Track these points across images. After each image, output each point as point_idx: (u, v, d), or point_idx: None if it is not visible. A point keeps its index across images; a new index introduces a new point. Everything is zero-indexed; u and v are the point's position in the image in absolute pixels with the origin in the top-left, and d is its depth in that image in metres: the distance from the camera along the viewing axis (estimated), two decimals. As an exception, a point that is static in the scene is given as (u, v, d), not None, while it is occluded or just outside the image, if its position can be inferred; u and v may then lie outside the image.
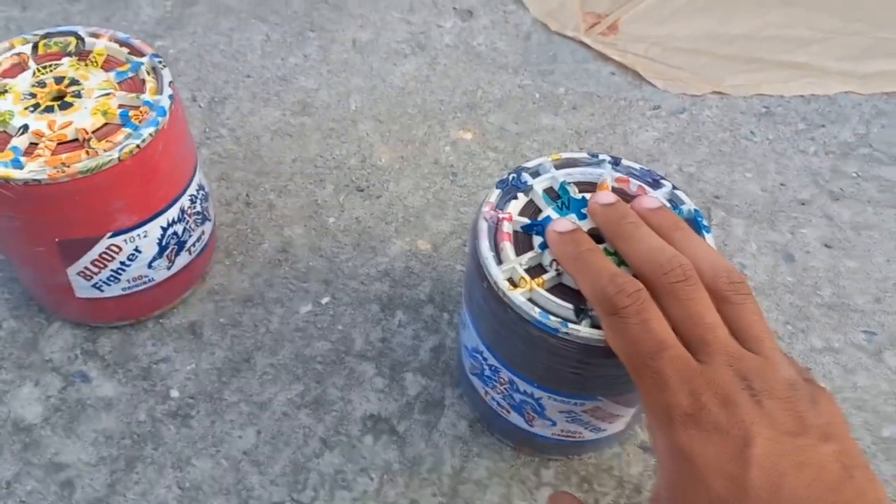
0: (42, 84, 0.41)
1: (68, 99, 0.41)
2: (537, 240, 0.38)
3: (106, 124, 0.40)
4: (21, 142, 0.39)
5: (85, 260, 0.42)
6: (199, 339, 0.48)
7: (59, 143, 0.39)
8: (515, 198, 0.40)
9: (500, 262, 0.37)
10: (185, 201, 0.44)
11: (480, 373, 0.42)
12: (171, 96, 0.41)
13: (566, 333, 0.35)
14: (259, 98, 0.61)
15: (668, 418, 0.30)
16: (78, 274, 0.42)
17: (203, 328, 0.48)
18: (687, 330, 0.32)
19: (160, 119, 0.40)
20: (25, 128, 0.39)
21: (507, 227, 0.38)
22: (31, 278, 0.45)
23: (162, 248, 0.44)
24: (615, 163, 0.41)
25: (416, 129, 0.60)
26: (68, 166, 0.37)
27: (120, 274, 0.43)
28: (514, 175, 0.40)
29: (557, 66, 0.66)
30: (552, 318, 0.35)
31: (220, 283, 0.51)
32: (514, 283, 0.36)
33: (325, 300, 0.51)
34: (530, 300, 0.36)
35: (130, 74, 0.42)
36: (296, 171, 0.57)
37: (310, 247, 0.53)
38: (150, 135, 0.40)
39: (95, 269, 0.42)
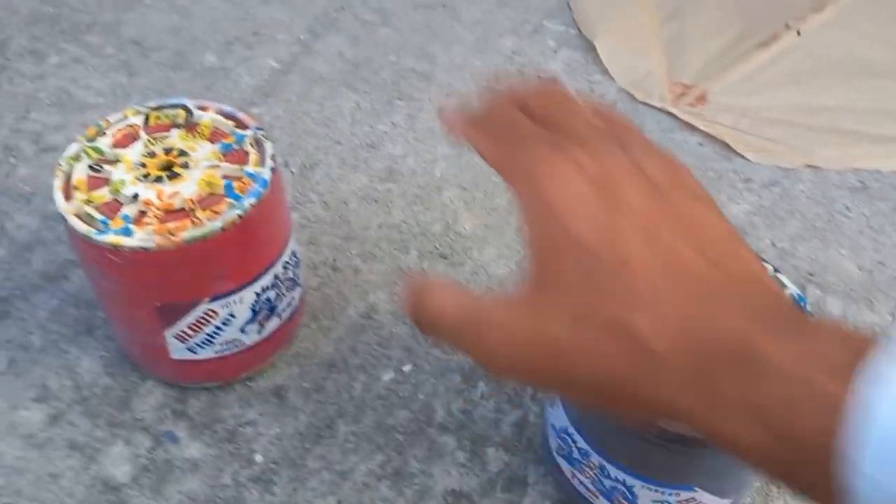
0: (152, 154, 0.43)
1: (176, 169, 0.43)
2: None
3: (211, 194, 0.41)
4: (131, 210, 0.40)
5: (182, 324, 0.43)
6: (284, 404, 0.48)
7: (166, 212, 0.41)
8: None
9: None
10: (278, 268, 0.45)
11: (568, 454, 0.41)
12: (272, 168, 0.43)
13: (665, 423, 0.34)
14: (348, 164, 0.62)
15: (525, 170, 0.26)
16: (174, 336, 0.44)
17: (288, 392, 0.49)
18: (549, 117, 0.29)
19: (261, 190, 0.41)
20: (135, 196, 0.41)
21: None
22: (129, 339, 0.47)
23: (255, 314, 0.45)
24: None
25: (500, 197, 0.60)
26: (175, 235, 0.39)
27: (214, 338, 0.44)
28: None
29: (644, 136, 0.65)
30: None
31: (305, 346, 0.51)
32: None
33: (406, 368, 0.50)
34: (625, 384, 0.35)
35: (235, 147, 0.44)
36: (381, 236, 0.58)
37: (393, 313, 0.53)
38: (252, 205, 0.41)
39: (191, 333, 0.44)
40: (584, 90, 0.69)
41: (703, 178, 0.62)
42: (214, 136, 0.45)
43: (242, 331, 0.45)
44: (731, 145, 0.64)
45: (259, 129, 0.45)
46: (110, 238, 0.39)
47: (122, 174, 0.42)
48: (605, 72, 0.70)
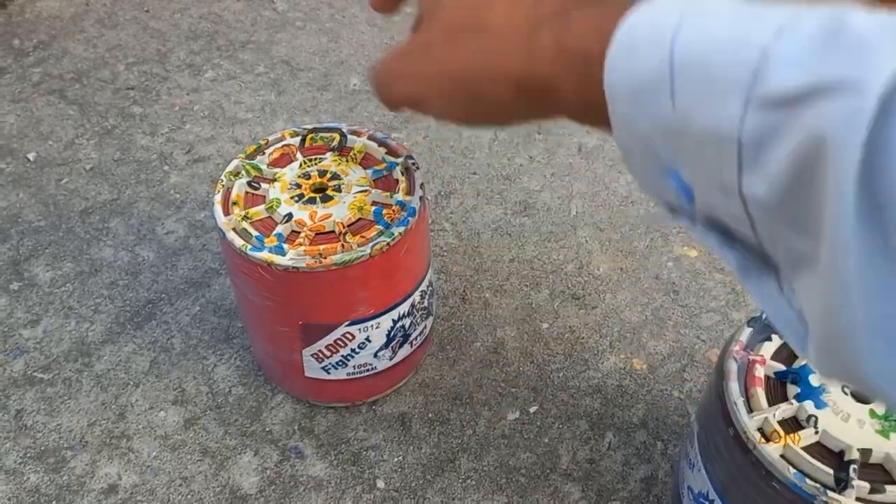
0: (307, 176, 0.44)
1: (329, 192, 0.44)
2: (792, 389, 0.35)
3: (360, 219, 0.42)
4: (285, 229, 0.41)
5: (321, 343, 0.43)
6: (408, 432, 0.48)
7: (317, 234, 0.41)
8: (769, 339, 0.37)
9: (750, 409, 0.34)
10: (416, 296, 0.45)
11: (706, 520, 0.39)
12: (421, 198, 0.43)
13: (824, 501, 0.31)
14: (483, 195, 0.62)
15: None
16: (312, 355, 0.44)
17: (412, 421, 0.49)
18: None
19: (410, 219, 0.42)
20: (290, 216, 0.42)
21: (759, 372, 0.36)
22: (266, 352, 0.48)
23: (389, 340, 0.45)
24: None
25: (638, 240, 0.59)
26: (325, 257, 0.39)
27: (348, 360, 0.45)
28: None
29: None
30: (809, 481, 0.32)
31: (431, 376, 0.51)
32: (766, 436, 0.33)
33: (532, 409, 0.49)
34: (784, 457, 0.33)
35: (385, 173, 0.45)
36: (512, 271, 0.57)
37: (521, 351, 0.52)
38: (400, 234, 0.41)
39: (328, 353, 0.44)
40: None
41: None
42: (366, 161, 0.46)
43: (376, 356, 0.45)
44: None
45: (410, 157, 0.45)
46: (264, 255, 0.40)
47: (277, 193, 0.43)
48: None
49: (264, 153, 0.46)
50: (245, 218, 0.42)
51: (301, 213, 0.42)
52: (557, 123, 0.69)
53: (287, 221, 0.42)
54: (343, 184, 0.44)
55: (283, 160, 0.46)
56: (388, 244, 0.41)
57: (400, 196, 0.43)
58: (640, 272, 0.57)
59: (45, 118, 0.68)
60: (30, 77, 0.72)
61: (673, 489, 0.44)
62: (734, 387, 0.35)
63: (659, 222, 0.28)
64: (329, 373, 0.46)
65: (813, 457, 0.33)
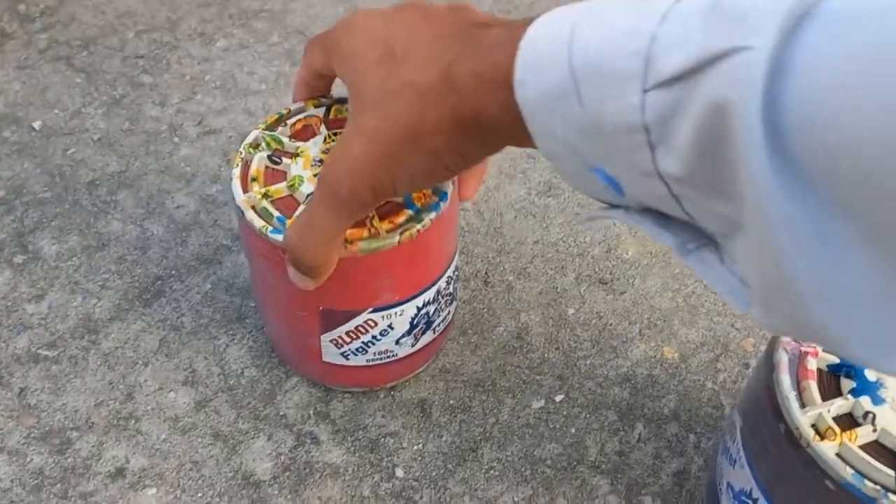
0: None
1: None
2: (847, 384, 0.33)
3: (387, 202, 0.39)
4: None
5: (341, 330, 0.41)
6: (428, 419, 0.46)
7: None
8: (823, 331, 0.35)
9: (802, 404, 0.32)
10: (442, 283, 0.43)
11: (746, 519, 0.37)
12: (453, 182, 0.40)
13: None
14: (505, 174, 0.60)
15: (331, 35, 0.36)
16: (330, 341, 0.42)
17: (432, 407, 0.47)
18: None
19: (441, 204, 0.39)
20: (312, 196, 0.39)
21: (811, 364, 0.33)
22: (283, 335, 0.46)
23: (412, 327, 0.43)
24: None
25: (667, 224, 0.56)
26: (351, 243, 0.37)
27: (369, 347, 0.43)
28: (823, 304, 0.35)
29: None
30: (868, 483, 0.30)
31: (452, 362, 0.49)
32: (820, 433, 0.31)
33: (559, 398, 0.47)
34: (840, 456, 0.31)
35: None
36: (537, 253, 0.55)
37: (546, 337, 0.50)
38: (431, 220, 0.39)
39: (348, 340, 0.42)
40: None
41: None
42: None
43: (397, 343, 0.43)
44: None
45: None
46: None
47: (300, 170, 0.41)
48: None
49: (286, 124, 0.43)
50: (265, 196, 0.39)
51: None
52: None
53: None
54: None
55: (307, 133, 0.43)
56: (418, 231, 0.38)
57: None
58: (670, 257, 0.54)
59: (52, 86, 0.65)
60: (36, 43, 0.69)
61: (708, 485, 0.42)
62: (786, 379, 0.33)
63: (597, 218, 0.27)
64: (347, 359, 0.43)
65: (871, 456, 0.30)
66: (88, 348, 0.49)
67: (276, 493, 0.43)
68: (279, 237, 0.37)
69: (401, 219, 0.38)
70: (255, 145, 0.42)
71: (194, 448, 0.45)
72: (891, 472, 0.30)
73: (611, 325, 0.51)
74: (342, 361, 0.43)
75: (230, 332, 0.50)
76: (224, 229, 0.55)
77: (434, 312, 0.44)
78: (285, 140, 0.42)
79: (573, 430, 0.46)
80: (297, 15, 0.73)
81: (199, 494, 0.43)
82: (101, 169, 0.59)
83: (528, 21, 0.25)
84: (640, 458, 0.45)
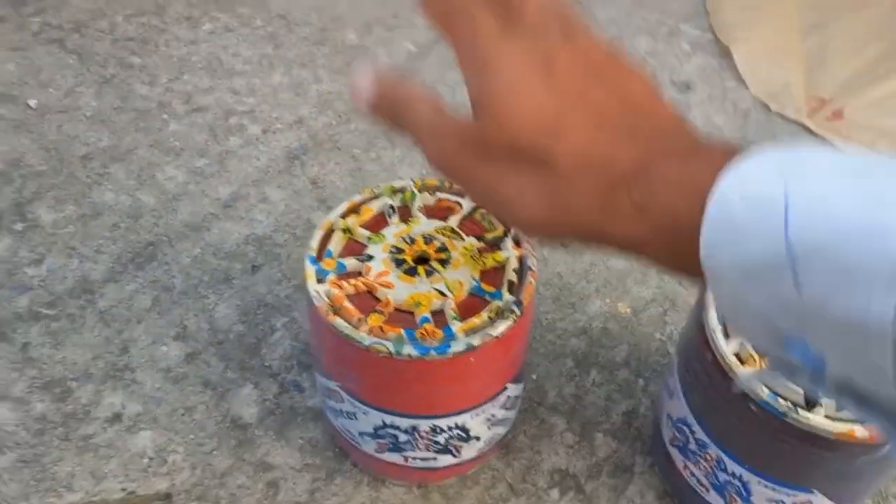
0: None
1: (433, 264, 0.39)
2: (767, 319, 0.38)
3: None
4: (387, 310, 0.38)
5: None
6: (402, 368, 0.50)
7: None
8: (747, 274, 0.39)
9: (727, 335, 0.37)
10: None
11: (683, 446, 0.41)
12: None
13: (795, 420, 0.34)
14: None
15: (475, 45, 0.28)
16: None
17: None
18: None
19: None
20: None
21: (736, 302, 0.38)
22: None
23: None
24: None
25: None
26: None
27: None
28: (747, 251, 0.40)
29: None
30: (781, 401, 0.34)
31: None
32: (741, 360, 0.36)
33: (522, 349, 0.52)
34: (758, 379, 0.35)
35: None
36: (504, 220, 0.59)
37: (511, 295, 0.55)
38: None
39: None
40: (716, 95, 0.69)
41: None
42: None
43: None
44: (866, 163, 0.62)
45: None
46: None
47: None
48: (740, 79, 0.70)
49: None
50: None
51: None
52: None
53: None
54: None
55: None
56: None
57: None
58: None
59: (45, 66, 0.69)
60: (29, 26, 0.72)
61: (652, 420, 0.47)
62: (713, 315, 0.37)
63: (774, 380, 0.28)
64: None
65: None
66: (85, 307, 0.52)
67: (262, 434, 0.47)
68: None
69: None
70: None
71: (185, 395, 0.48)
72: (800, 390, 0.34)
73: (570, 283, 0.55)
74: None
75: (218, 292, 0.53)
76: (211, 199, 0.59)
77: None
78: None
79: (534, 377, 0.50)
80: (279, 1, 0.77)
81: (191, 436, 0.47)
82: (94, 144, 0.63)
83: (710, 176, 0.22)
84: (594, 400, 0.49)
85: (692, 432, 0.40)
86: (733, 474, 0.38)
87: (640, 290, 0.55)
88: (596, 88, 0.28)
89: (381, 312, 0.37)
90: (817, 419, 0.34)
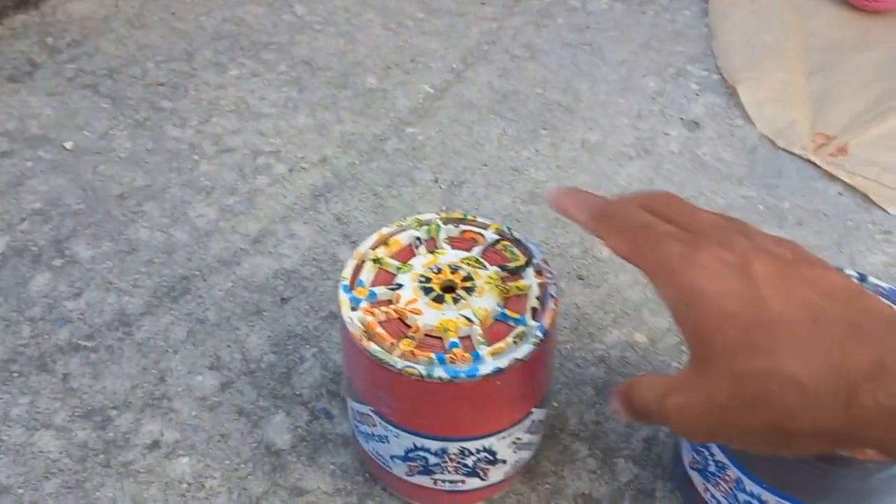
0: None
1: (459, 292, 0.41)
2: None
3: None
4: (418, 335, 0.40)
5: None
6: (427, 396, 0.52)
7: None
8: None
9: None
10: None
11: (703, 468, 0.43)
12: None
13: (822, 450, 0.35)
14: (493, 185, 0.66)
15: (669, 266, 0.30)
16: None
17: (431, 386, 0.53)
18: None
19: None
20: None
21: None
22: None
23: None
24: (862, 279, 0.42)
25: (638, 227, 0.63)
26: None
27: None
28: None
29: (783, 181, 0.67)
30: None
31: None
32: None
33: (543, 377, 0.54)
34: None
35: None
36: (522, 254, 0.61)
37: (531, 325, 0.57)
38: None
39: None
40: (724, 133, 0.72)
41: (840, 227, 0.63)
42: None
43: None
44: (871, 197, 0.64)
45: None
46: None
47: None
48: (747, 117, 0.72)
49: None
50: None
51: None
52: (562, 120, 0.73)
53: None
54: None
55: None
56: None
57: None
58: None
59: (81, 110, 0.72)
60: (64, 72, 0.76)
61: (672, 445, 0.48)
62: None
63: None
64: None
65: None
66: (123, 339, 0.55)
67: (295, 460, 0.49)
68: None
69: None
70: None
71: (221, 423, 0.50)
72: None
73: (587, 314, 0.57)
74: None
75: (250, 324, 0.56)
76: (241, 235, 0.62)
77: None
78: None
79: (556, 404, 0.52)
80: (302, 47, 0.81)
81: (227, 462, 0.48)
82: (129, 183, 0.65)
83: None
84: (614, 426, 0.51)
85: (711, 454, 0.41)
86: (752, 494, 0.40)
87: (656, 320, 0.57)
88: (800, 286, 0.28)
89: (412, 338, 0.39)
90: (832, 438, 0.35)
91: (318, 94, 0.75)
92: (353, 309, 0.40)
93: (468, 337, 0.39)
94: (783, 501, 0.39)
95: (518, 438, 0.43)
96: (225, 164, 0.68)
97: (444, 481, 0.43)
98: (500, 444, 0.42)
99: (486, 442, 0.41)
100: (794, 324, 0.27)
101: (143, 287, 0.58)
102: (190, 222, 0.63)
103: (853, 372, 0.25)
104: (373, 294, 0.41)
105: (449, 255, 0.43)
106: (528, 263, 0.43)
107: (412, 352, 0.38)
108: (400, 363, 0.37)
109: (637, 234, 0.33)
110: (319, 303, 0.57)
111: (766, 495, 0.39)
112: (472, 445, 0.41)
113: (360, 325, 0.39)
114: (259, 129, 0.71)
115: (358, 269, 0.42)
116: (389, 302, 0.41)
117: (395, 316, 0.40)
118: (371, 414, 0.42)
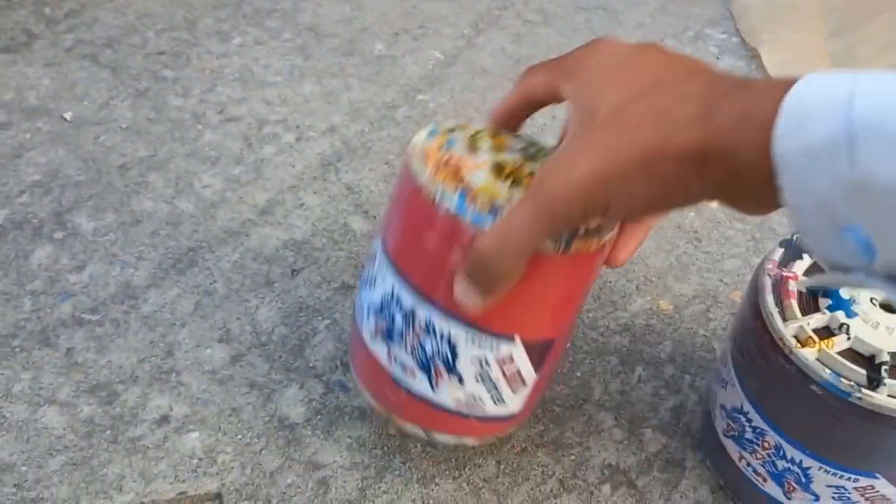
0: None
1: (521, 183, 0.36)
2: (824, 302, 0.37)
3: None
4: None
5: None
6: (446, 367, 0.50)
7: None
8: (801, 258, 0.39)
9: (785, 319, 0.37)
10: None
11: (739, 435, 0.41)
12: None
13: (859, 399, 0.34)
14: (508, 152, 0.64)
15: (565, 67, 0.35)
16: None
17: (449, 357, 0.51)
18: None
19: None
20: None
21: (791, 287, 0.38)
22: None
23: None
24: None
25: (659, 193, 0.61)
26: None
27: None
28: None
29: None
30: (844, 381, 0.34)
31: (466, 317, 0.53)
32: (800, 342, 0.36)
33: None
34: (819, 361, 0.35)
35: None
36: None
37: (551, 294, 0.54)
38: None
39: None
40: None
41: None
42: None
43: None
44: None
45: None
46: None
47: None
48: (769, 78, 0.70)
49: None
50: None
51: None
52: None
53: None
54: None
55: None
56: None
57: None
58: (663, 221, 0.59)
59: (80, 81, 0.69)
60: (62, 43, 0.73)
61: (702, 414, 0.46)
62: (769, 299, 0.37)
63: (826, 284, 0.31)
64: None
65: (847, 359, 0.35)
66: (129, 312, 0.53)
67: (310, 433, 0.47)
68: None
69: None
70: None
71: (232, 396, 0.48)
72: (863, 371, 0.34)
73: (611, 282, 0.55)
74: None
75: (260, 296, 0.54)
76: (249, 205, 0.60)
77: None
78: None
79: (579, 374, 0.50)
80: (307, 14, 0.78)
81: (239, 436, 0.46)
82: (131, 154, 0.63)
83: (790, 81, 0.26)
84: (641, 396, 0.49)
85: (749, 420, 0.39)
86: (792, 461, 0.38)
87: (681, 287, 0.55)
88: (662, 55, 0.32)
89: (459, 181, 0.35)
90: (881, 398, 0.33)
91: (325, 62, 0.72)
92: (426, 136, 0.37)
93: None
94: (826, 467, 0.37)
95: (485, 361, 0.37)
96: (230, 134, 0.65)
97: (396, 363, 0.39)
98: (464, 350, 0.36)
99: (453, 331, 0.36)
100: (674, 77, 0.30)
101: (148, 259, 0.56)
102: (195, 193, 0.60)
103: (713, 97, 0.27)
104: (452, 142, 0.37)
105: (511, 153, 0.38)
106: None
107: (443, 179, 0.34)
108: (426, 179, 0.34)
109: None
110: (332, 274, 0.55)
111: (807, 461, 0.37)
112: (438, 325, 0.36)
113: (421, 147, 0.36)
114: (265, 97, 0.69)
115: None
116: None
117: (455, 162, 0.35)
118: (377, 249, 0.38)
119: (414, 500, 0.44)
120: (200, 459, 0.45)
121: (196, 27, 0.76)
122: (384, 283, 0.38)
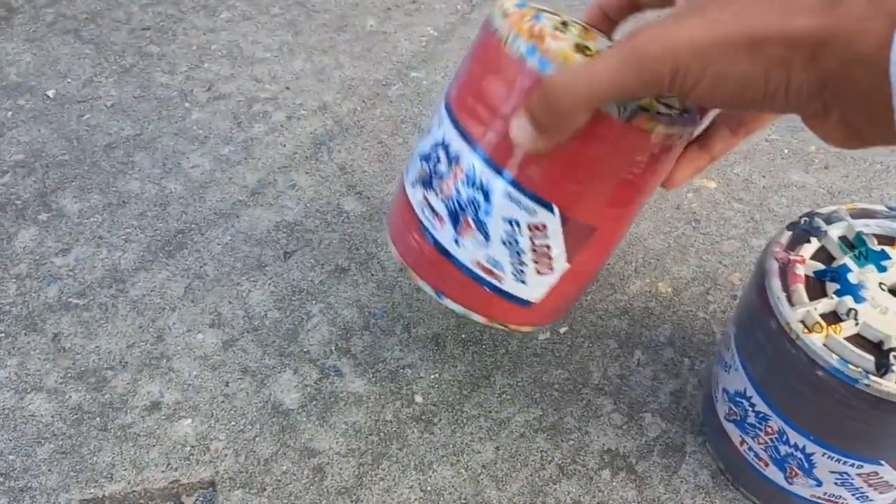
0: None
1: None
2: (831, 286, 0.37)
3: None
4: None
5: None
6: (442, 351, 0.49)
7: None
8: (808, 241, 0.38)
9: (792, 304, 0.36)
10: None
11: (741, 420, 0.40)
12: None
13: (866, 385, 0.33)
14: (503, 131, 0.63)
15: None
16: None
17: (446, 341, 0.50)
18: None
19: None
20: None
21: (799, 270, 0.37)
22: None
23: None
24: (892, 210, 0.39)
25: (657, 174, 0.60)
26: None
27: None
28: (807, 219, 0.39)
29: (806, 124, 0.64)
30: (851, 367, 0.33)
31: (462, 300, 0.52)
32: (807, 327, 0.35)
33: (563, 330, 0.51)
34: (826, 346, 0.34)
35: None
36: (536, 203, 0.58)
37: (548, 277, 0.54)
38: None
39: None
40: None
41: (869, 171, 0.60)
42: None
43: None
44: (899, 139, 0.62)
45: None
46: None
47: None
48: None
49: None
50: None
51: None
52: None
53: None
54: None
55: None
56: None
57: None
58: (661, 202, 0.58)
59: (62, 57, 0.67)
60: (43, 17, 0.71)
61: (704, 399, 0.46)
62: (776, 283, 0.36)
63: None
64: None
65: (854, 345, 0.34)
66: (117, 296, 0.51)
67: (305, 419, 0.46)
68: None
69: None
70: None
71: (224, 382, 0.47)
72: (871, 357, 0.34)
73: (609, 264, 0.54)
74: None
75: (251, 279, 0.52)
76: (239, 186, 0.58)
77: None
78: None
79: (577, 358, 0.49)
80: (296, -12, 0.76)
81: (233, 423, 0.46)
82: (117, 133, 0.62)
83: None
84: (640, 380, 0.48)
85: (752, 405, 0.39)
86: (795, 446, 0.37)
87: (680, 269, 0.54)
88: None
89: (537, 38, 0.33)
90: (889, 385, 0.33)
91: (315, 38, 0.71)
92: (515, 4, 0.35)
93: None
94: (830, 453, 0.36)
95: (516, 223, 0.34)
96: (218, 112, 0.64)
97: (427, 208, 0.36)
98: (498, 205, 0.34)
99: (492, 182, 0.33)
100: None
101: (135, 241, 0.54)
102: (184, 173, 0.59)
103: None
104: (539, 16, 0.35)
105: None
106: None
107: (519, 30, 0.32)
108: (500, 25, 0.32)
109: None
110: (325, 256, 0.54)
111: (811, 447, 0.37)
112: (479, 173, 0.34)
113: (507, 6, 0.34)
114: (253, 74, 0.67)
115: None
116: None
117: (538, 30, 0.33)
118: (442, 103, 0.36)
119: (411, 487, 0.43)
120: (193, 447, 0.44)
121: (182, 1, 0.74)
122: (437, 131, 0.36)
